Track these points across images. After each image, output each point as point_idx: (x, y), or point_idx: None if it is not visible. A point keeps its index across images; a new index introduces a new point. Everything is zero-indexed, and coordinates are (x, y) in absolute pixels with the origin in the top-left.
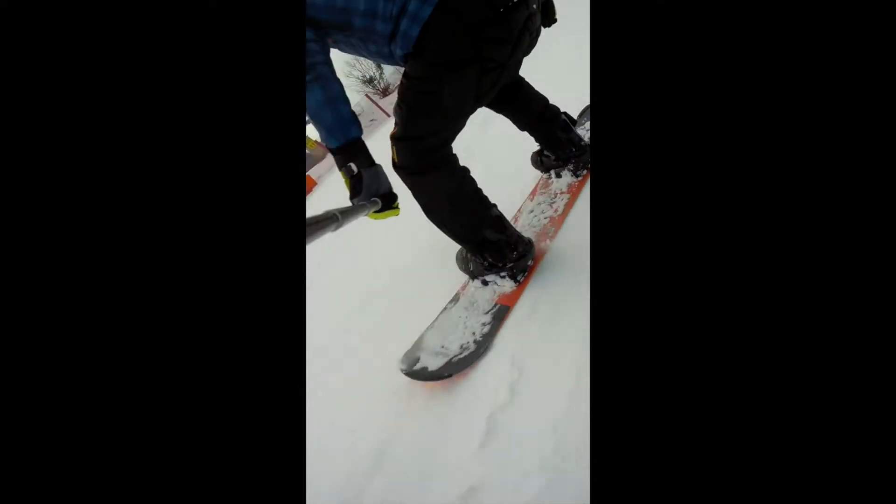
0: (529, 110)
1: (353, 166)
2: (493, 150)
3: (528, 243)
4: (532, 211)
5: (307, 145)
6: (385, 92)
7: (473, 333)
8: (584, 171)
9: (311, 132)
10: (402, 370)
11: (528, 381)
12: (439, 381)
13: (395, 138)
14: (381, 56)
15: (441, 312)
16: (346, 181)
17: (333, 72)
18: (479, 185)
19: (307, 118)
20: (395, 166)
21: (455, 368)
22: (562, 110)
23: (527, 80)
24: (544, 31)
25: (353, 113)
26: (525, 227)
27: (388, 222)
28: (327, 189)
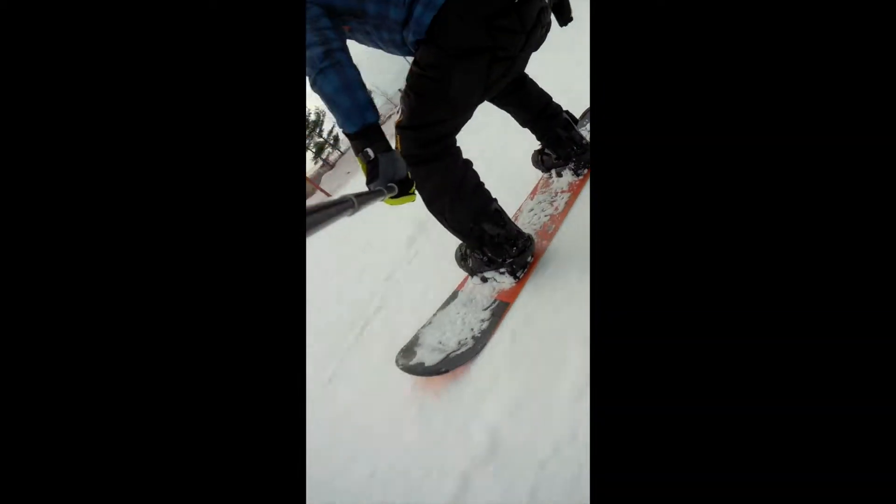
0: (531, 106)
1: (370, 151)
2: (492, 149)
3: (528, 239)
4: (532, 210)
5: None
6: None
7: (472, 330)
8: (585, 170)
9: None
10: (398, 365)
11: (526, 379)
12: (436, 377)
13: (401, 127)
14: (394, 44)
15: (438, 310)
16: (362, 166)
17: (350, 58)
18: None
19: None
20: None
21: (452, 364)
22: (564, 109)
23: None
24: (551, 32)
25: (369, 98)
26: (525, 225)
27: (386, 225)
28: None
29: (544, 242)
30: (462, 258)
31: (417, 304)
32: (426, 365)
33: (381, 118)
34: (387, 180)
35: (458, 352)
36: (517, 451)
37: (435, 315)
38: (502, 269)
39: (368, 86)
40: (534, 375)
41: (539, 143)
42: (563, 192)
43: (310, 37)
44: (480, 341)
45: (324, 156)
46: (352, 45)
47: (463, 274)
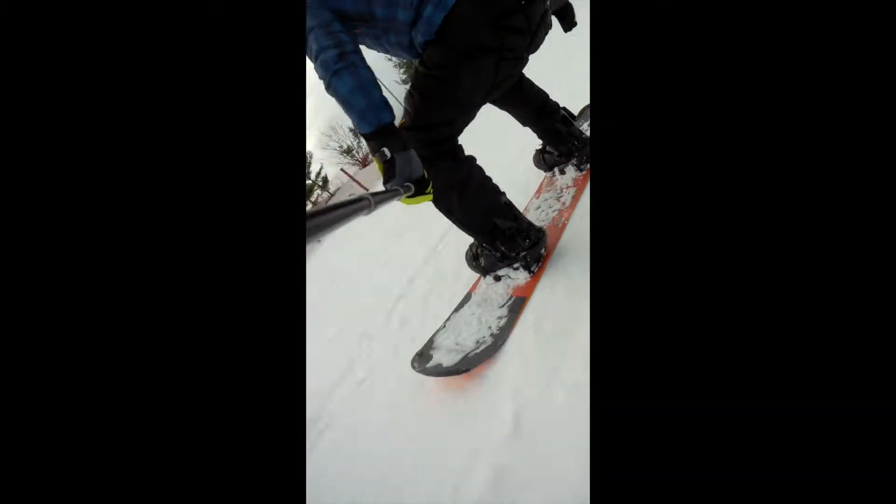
0: (530, 105)
1: (387, 151)
2: (493, 153)
3: (541, 231)
4: (539, 207)
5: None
6: (364, 163)
7: (490, 327)
8: (588, 164)
9: None
10: (415, 369)
11: (548, 372)
12: (456, 378)
13: (406, 129)
14: (402, 47)
15: (452, 313)
16: (379, 166)
17: (363, 60)
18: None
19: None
20: None
21: (472, 363)
22: (561, 105)
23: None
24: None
25: (384, 98)
26: (534, 221)
27: (388, 233)
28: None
29: (555, 236)
30: (473, 258)
31: (429, 312)
32: (444, 366)
33: (368, 156)
34: (404, 179)
35: (477, 350)
36: (542, 446)
37: (448, 319)
38: (516, 265)
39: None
40: (559, 362)
41: (540, 142)
42: (568, 187)
43: (323, 40)
44: (500, 338)
45: (313, 198)
46: None
47: (473, 276)
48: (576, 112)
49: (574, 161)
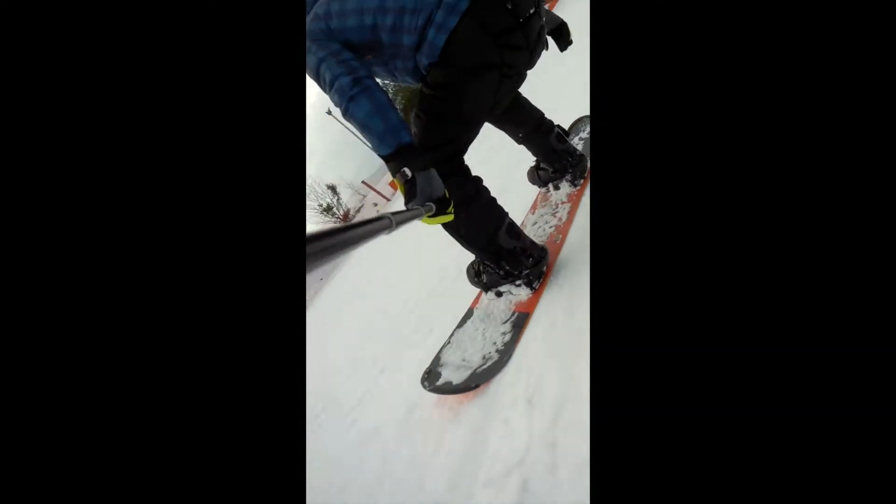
0: (527, 123)
1: (407, 171)
2: (487, 169)
3: (543, 249)
4: (536, 223)
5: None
6: (346, 218)
7: (494, 343)
8: (582, 180)
9: None
10: (425, 388)
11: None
12: (463, 394)
13: None
14: (407, 72)
15: (456, 329)
16: (399, 187)
17: (378, 84)
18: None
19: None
20: None
21: (480, 379)
22: (556, 123)
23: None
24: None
25: (402, 119)
26: (533, 238)
27: (389, 255)
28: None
29: (554, 252)
30: (476, 275)
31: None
32: (454, 383)
33: (351, 211)
34: (425, 199)
35: (485, 366)
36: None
37: (453, 334)
38: (518, 282)
39: (333, 178)
40: (567, 375)
41: (534, 158)
42: (563, 203)
43: (336, 69)
44: (505, 353)
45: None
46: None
47: (473, 291)
48: (566, 126)
49: (568, 177)
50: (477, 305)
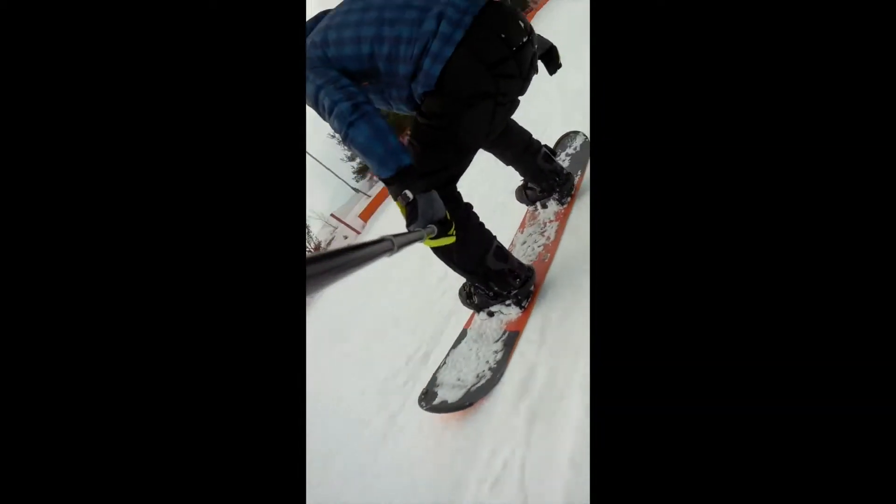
0: (516, 145)
1: (409, 193)
2: (475, 189)
3: (530, 269)
4: (525, 242)
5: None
6: (316, 250)
7: (487, 362)
8: (569, 198)
9: None
10: (422, 408)
11: (543, 402)
12: (458, 412)
13: None
14: (402, 101)
15: (451, 349)
16: (401, 209)
17: (376, 109)
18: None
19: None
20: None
21: (474, 397)
22: (543, 144)
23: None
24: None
25: (401, 142)
26: (521, 257)
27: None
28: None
29: (542, 271)
30: (467, 296)
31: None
32: (450, 402)
33: (322, 243)
34: (426, 221)
35: (479, 384)
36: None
37: (448, 355)
38: (508, 302)
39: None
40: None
41: (522, 178)
42: (551, 221)
43: (335, 95)
44: (498, 371)
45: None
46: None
47: (465, 315)
48: (552, 145)
49: (556, 195)
50: (470, 326)
